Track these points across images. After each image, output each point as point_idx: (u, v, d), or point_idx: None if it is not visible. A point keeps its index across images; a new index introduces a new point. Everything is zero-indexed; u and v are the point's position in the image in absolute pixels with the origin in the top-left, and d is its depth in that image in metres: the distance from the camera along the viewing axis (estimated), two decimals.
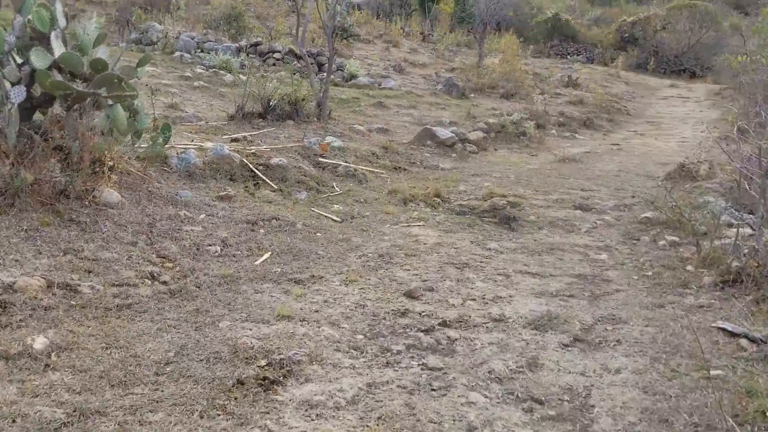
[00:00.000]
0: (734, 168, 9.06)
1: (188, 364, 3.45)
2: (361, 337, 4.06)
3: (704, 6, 33.93)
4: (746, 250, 5.49)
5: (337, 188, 7.74)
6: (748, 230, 6.49)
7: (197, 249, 5.17)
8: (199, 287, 4.50)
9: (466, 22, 29.31)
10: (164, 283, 4.50)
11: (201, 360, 3.53)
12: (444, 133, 10.74)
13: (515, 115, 13.29)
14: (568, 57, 30.00)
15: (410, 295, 4.81)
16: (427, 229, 6.69)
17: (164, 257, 4.92)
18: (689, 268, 5.63)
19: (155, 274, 4.57)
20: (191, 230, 5.47)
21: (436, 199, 7.76)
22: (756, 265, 5.14)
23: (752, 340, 4.14)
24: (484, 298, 4.85)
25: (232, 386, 3.29)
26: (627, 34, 32.65)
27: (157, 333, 3.76)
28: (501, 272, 5.47)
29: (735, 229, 6.54)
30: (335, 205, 7.11)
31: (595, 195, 8.24)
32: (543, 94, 18.01)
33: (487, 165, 10.03)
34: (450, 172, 9.26)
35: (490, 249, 6.13)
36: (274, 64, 16.05)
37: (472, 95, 17.18)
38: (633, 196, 8.25)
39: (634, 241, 6.57)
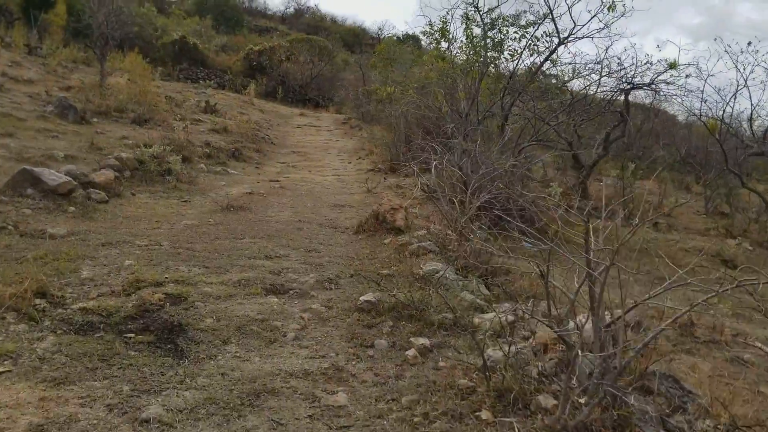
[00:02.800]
0: (429, 215, 7.34)
1: None
2: None
3: (321, 41, 34.38)
4: (562, 376, 3.48)
5: None
6: (508, 317, 4.57)
7: None
8: None
9: (82, 35, 24.27)
10: None
11: None
12: (55, 176, 6.95)
13: (156, 147, 9.97)
14: (200, 81, 27.13)
15: None
16: (14, 382, 3.26)
17: None
18: (483, 415, 3.36)
19: None
20: None
21: (38, 302, 4.24)
22: (601, 410, 3.12)
23: None
24: None
25: None
26: (255, 62, 31.11)
27: None
28: None
29: (491, 316, 4.55)
30: None
31: (285, 265, 5.60)
32: (183, 120, 14.85)
33: (124, 223, 6.63)
34: (66, 241, 5.67)
35: (148, 424, 3.03)
36: None
37: (95, 120, 13.17)
38: (330, 260, 5.86)
39: (369, 352, 4.10)
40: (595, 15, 9.39)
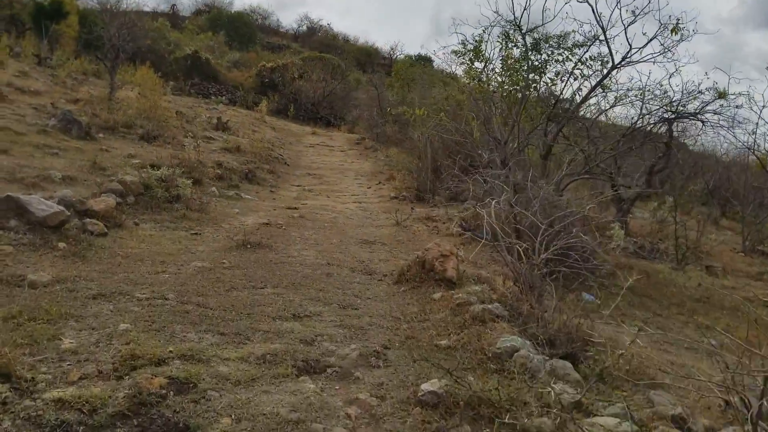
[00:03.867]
0: (477, 262, 6.16)
1: None
2: None
3: (334, 59, 33.44)
4: None
5: None
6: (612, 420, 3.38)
7: None
8: None
9: (94, 47, 23.27)
10: None
11: None
12: (45, 205, 5.75)
13: (164, 170, 8.82)
14: (212, 97, 26.18)
15: None
16: None
17: None
18: None
19: None
20: None
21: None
22: None
23: None
24: None
25: None
26: (267, 79, 30.15)
27: None
28: None
29: (603, 421, 3.37)
30: None
31: (318, 329, 4.41)
32: (194, 138, 13.74)
33: (123, 265, 5.44)
34: (48, 292, 4.48)
35: None
36: None
37: (101, 135, 12.06)
38: (371, 322, 4.68)
39: None
40: (654, 37, 8.28)
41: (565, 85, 9.59)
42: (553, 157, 9.64)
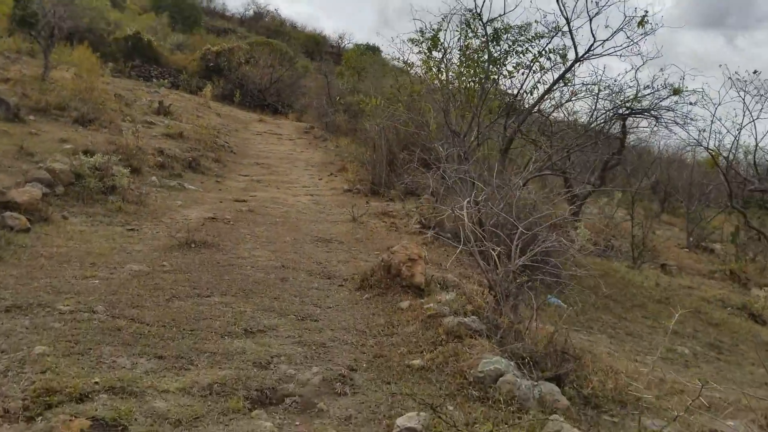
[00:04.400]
0: (441, 263, 5.67)
1: None
2: None
3: (281, 46, 32.39)
4: None
5: None
6: None
7: None
8: None
9: (28, 24, 21.58)
10: None
11: None
12: None
13: (98, 157, 7.95)
14: (153, 80, 24.80)
15: None
16: None
17: None
18: None
19: None
20: None
21: None
22: None
23: None
24: None
25: None
26: (212, 64, 28.82)
27: None
28: None
29: None
30: None
31: (274, 348, 3.78)
32: (133, 123, 12.75)
33: (47, 268, 4.67)
34: None
35: None
36: None
37: (32, 117, 10.99)
38: (334, 337, 4.11)
39: None
40: (620, 29, 7.93)
41: (526, 78, 9.19)
42: (511, 153, 9.24)
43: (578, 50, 8.44)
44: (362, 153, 12.02)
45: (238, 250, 5.89)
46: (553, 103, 10.25)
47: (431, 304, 4.36)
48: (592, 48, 8.25)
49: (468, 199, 5.09)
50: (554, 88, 8.81)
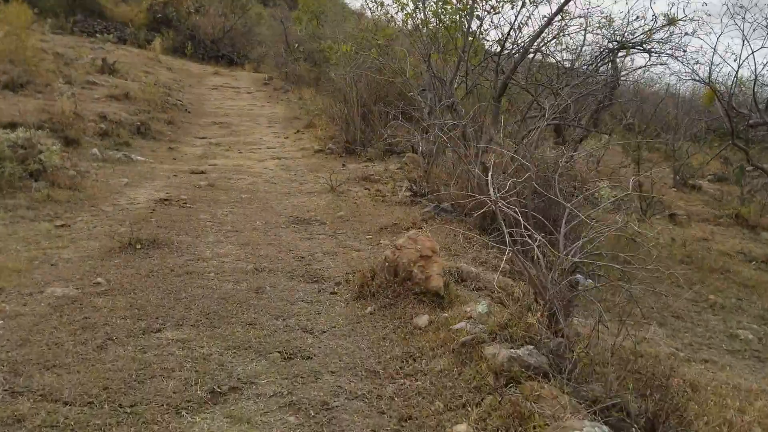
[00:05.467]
0: (450, 247, 4.46)
1: None
2: None
3: None
4: None
5: None
6: None
7: None
8: None
9: None
10: None
11: None
12: None
13: (21, 132, 6.39)
14: (98, 36, 22.41)
15: None
16: None
17: None
18: None
19: None
20: None
21: None
22: None
23: None
24: None
25: None
26: (160, 15, 26.37)
27: None
28: None
29: None
30: None
31: (252, 420, 2.58)
32: (71, 84, 10.99)
33: None
34: None
35: None
36: None
37: None
38: (338, 389, 2.90)
39: None
40: None
41: (518, 13, 7.82)
42: (504, 99, 7.96)
43: None
44: (331, 106, 10.56)
45: (197, 248, 4.55)
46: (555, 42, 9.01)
47: (461, 324, 3.16)
48: None
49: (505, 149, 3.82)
50: (554, 21, 7.47)
